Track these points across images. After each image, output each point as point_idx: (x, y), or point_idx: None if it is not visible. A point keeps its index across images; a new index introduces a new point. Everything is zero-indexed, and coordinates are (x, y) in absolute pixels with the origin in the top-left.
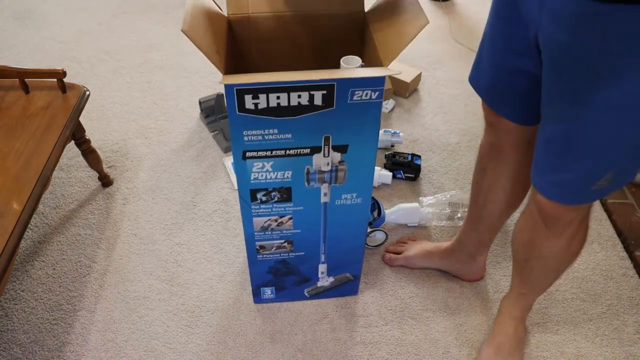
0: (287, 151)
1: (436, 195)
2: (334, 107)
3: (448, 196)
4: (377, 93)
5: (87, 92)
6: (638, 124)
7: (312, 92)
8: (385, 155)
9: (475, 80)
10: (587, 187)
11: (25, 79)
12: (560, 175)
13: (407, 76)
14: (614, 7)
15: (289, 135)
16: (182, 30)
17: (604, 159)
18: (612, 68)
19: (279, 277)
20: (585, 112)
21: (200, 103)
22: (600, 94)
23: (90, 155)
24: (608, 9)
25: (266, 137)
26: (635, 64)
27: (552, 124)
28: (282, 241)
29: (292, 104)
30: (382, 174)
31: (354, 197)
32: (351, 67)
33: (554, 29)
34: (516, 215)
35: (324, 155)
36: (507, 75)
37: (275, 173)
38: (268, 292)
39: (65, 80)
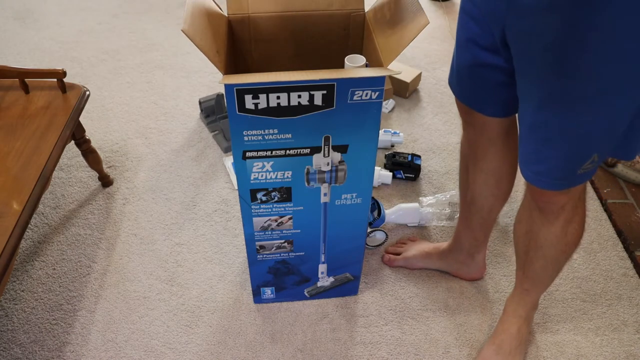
0: (287, 151)
1: (436, 195)
2: (334, 107)
3: (448, 196)
4: (377, 93)
5: (87, 92)
6: (611, 108)
7: (312, 92)
8: (385, 155)
9: (450, 79)
10: (573, 171)
11: (25, 79)
12: (544, 163)
13: (407, 76)
14: None
15: (289, 135)
16: (182, 30)
17: (583, 144)
18: (583, 57)
19: (279, 277)
20: (558, 99)
21: (200, 103)
22: (571, 82)
23: (90, 155)
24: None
25: (266, 137)
26: (606, 50)
27: (529, 114)
28: (282, 241)
29: (292, 104)
30: (382, 174)
31: (354, 197)
32: (355, 66)
33: (523, 22)
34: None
35: (324, 155)
36: (476, 70)
37: (275, 173)
38: (268, 292)
39: (65, 80)
